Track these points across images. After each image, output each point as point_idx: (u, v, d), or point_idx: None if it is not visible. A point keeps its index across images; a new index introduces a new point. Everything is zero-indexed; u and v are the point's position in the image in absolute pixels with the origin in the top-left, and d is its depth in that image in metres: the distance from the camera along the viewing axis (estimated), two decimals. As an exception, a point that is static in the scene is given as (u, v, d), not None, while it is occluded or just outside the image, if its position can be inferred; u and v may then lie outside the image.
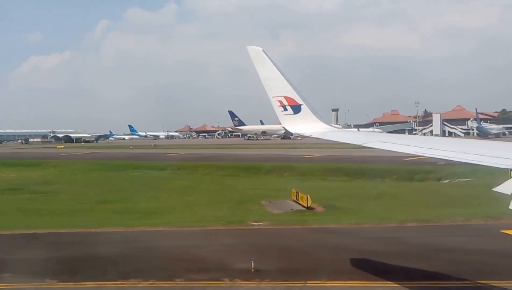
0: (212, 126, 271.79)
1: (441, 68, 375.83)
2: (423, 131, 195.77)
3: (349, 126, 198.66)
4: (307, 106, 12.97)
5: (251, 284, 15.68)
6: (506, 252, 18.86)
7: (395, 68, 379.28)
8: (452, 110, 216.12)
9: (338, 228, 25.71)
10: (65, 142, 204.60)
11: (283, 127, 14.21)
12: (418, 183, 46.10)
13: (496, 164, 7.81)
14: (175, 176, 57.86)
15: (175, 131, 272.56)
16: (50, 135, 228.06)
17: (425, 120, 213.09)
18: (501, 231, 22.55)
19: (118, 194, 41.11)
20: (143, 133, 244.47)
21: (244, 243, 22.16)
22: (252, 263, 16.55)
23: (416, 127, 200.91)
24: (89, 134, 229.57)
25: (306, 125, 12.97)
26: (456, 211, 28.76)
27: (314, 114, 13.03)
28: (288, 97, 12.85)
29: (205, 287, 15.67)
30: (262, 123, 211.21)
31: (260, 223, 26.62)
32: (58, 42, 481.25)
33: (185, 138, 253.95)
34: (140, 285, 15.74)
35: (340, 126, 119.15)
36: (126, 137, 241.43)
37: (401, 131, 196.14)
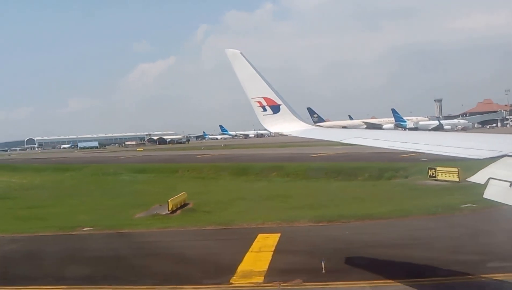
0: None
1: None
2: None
3: (437, 118, 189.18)
4: (286, 106, 13.31)
5: None
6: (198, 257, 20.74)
7: (498, 51, 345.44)
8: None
9: (137, 233, 27.62)
10: (159, 143, 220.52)
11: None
12: (371, 182, 46.44)
13: (469, 155, 8.07)
14: (155, 179, 62.01)
15: (265, 130, 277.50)
16: (146, 138, 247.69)
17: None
18: (259, 234, 23.59)
19: (59, 199, 45.97)
20: (233, 133, 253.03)
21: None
22: None
23: (508, 116, 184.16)
24: (182, 135, 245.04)
25: (286, 124, 13.30)
26: (297, 213, 30.10)
27: (292, 114, 13.37)
28: (267, 97, 13.15)
29: None
30: (351, 118, 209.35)
31: (90, 228, 28.84)
32: (162, 49, 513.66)
33: (274, 135, 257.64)
34: None
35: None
36: (219, 137, 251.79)
37: (492, 122, 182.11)
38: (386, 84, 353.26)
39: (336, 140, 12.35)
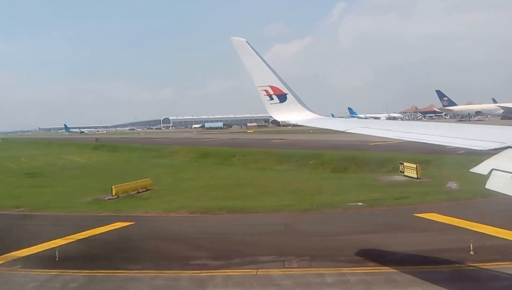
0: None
1: None
2: None
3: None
4: (292, 95, 13.62)
5: None
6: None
7: None
8: None
9: (39, 215, 31.34)
10: (283, 125, 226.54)
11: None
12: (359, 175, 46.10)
13: (473, 146, 8.29)
14: (184, 164, 66.59)
15: (400, 112, 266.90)
16: (270, 119, 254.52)
17: None
18: (118, 221, 26.77)
19: (70, 180, 51.52)
20: (362, 116, 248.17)
21: None
22: None
23: None
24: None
25: (292, 113, 13.63)
26: (204, 204, 32.26)
27: (299, 103, 13.70)
28: (273, 86, 13.44)
29: None
30: (494, 101, 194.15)
31: (22, 209, 33.45)
32: (297, 30, 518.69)
33: (409, 119, 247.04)
34: None
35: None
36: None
37: None
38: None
39: (342, 130, 12.41)
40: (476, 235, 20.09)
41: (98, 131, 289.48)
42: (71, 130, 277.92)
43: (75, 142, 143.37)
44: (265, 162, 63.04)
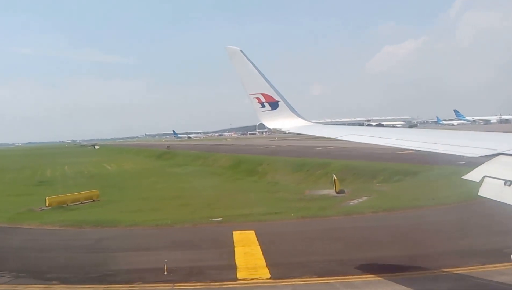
0: None
1: None
2: None
3: None
4: (284, 102, 14.01)
5: None
6: None
7: None
8: None
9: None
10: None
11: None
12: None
13: (465, 153, 8.50)
14: (191, 173, 69.89)
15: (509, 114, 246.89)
16: (365, 123, 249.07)
17: None
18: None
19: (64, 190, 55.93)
20: (470, 118, 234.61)
21: None
22: None
23: None
24: (403, 121, 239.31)
25: (284, 121, 14.02)
26: (98, 217, 34.35)
27: (291, 110, 14.09)
28: (265, 94, 13.84)
29: None
30: None
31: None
32: (412, 29, 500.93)
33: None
34: None
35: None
36: (455, 123, 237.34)
37: None
38: None
39: (333, 137, 12.81)
40: (223, 255, 20.82)
41: (197, 136, 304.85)
42: (179, 135, 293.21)
43: (148, 148, 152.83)
44: (280, 171, 63.73)
